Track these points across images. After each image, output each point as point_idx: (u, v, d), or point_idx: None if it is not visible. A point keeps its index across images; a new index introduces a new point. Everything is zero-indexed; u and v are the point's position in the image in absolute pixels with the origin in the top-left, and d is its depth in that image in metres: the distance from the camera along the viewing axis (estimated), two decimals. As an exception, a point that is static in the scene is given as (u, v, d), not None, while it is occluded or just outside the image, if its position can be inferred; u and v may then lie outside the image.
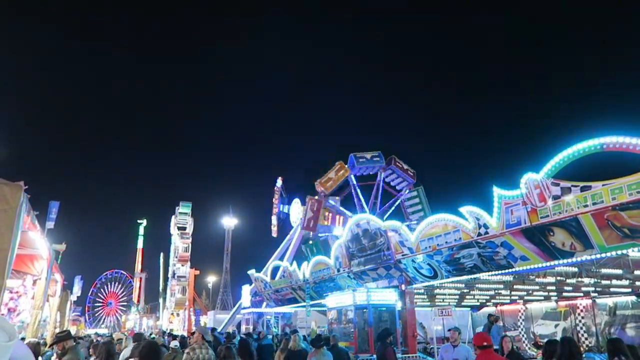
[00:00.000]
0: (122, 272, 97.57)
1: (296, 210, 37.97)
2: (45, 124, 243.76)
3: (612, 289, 18.04)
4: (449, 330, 8.62)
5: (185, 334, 31.17)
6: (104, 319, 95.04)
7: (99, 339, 16.59)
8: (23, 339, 9.39)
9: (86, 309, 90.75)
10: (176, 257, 62.60)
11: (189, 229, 64.27)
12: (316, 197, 29.18)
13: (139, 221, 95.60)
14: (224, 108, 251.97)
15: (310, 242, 28.73)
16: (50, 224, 22.96)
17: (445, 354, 8.24)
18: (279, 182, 39.39)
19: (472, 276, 13.54)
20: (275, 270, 28.04)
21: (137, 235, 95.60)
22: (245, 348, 10.09)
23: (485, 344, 5.74)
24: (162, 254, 73.31)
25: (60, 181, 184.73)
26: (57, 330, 10.67)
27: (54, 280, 12.09)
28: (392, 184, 34.08)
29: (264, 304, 29.92)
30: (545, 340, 10.71)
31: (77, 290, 50.58)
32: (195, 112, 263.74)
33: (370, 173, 33.15)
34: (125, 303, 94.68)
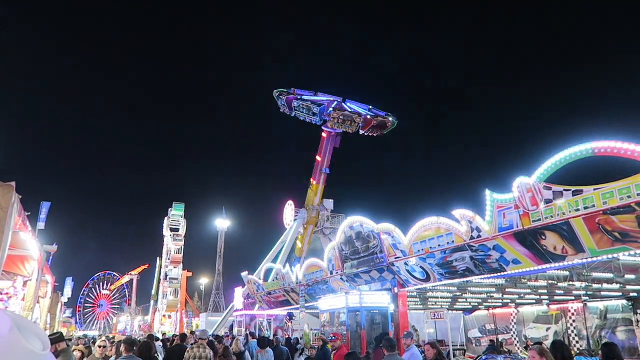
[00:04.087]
0: (114, 273, 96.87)
1: (289, 212, 37.95)
2: (37, 124, 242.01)
3: (603, 293, 18.20)
4: (403, 336, 8.77)
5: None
6: (95, 321, 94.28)
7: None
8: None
9: (77, 310, 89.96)
10: (169, 259, 62.32)
11: (182, 231, 63.99)
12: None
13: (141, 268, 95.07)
14: (221, 108, 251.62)
15: None
16: (41, 225, 22.81)
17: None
18: None
19: (465, 279, 13.60)
20: (269, 272, 27.99)
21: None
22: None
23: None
24: (158, 258, 72.75)
25: (52, 182, 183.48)
26: (48, 333, 10.58)
27: (44, 282, 11.99)
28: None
29: (257, 306, 29.82)
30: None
31: (68, 291, 50.24)
32: (190, 112, 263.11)
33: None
34: (117, 305, 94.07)
